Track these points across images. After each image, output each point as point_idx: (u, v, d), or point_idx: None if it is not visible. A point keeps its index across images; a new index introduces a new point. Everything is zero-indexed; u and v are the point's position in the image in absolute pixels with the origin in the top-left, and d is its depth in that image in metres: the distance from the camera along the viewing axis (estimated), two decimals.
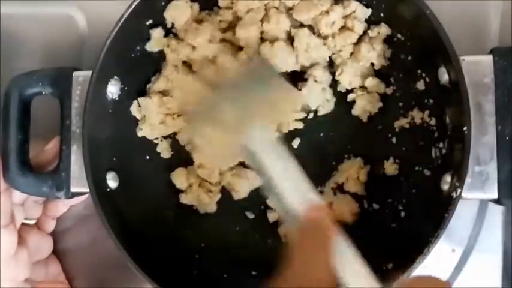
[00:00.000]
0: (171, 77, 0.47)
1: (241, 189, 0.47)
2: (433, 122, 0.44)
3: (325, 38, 0.46)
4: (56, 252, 0.50)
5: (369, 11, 0.45)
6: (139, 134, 0.47)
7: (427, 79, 0.44)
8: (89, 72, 0.44)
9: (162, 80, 0.47)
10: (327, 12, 0.45)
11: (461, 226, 0.47)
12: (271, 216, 0.48)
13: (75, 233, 0.51)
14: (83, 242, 0.51)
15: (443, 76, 0.41)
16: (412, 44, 0.44)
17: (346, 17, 0.45)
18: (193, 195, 0.48)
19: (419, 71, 0.44)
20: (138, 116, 0.47)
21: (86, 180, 0.43)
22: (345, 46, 0.45)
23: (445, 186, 0.40)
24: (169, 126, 0.47)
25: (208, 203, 0.48)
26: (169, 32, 0.48)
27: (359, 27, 0.45)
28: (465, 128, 0.38)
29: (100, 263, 0.50)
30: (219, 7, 0.47)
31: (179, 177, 0.48)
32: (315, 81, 0.46)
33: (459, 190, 0.38)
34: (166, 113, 0.47)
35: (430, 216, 0.40)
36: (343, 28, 0.46)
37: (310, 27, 0.46)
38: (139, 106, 0.47)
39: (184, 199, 0.48)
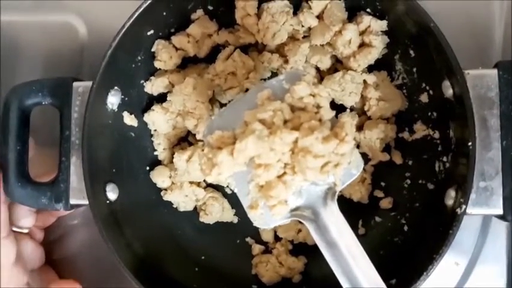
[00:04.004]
0: (169, 78, 0.46)
1: (213, 215, 0.47)
2: (436, 135, 0.43)
3: (347, 58, 0.45)
4: (52, 262, 0.50)
5: (384, 23, 0.44)
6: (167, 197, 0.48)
7: (431, 92, 0.44)
8: (89, 83, 0.43)
9: (160, 81, 0.47)
10: (340, 32, 0.44)
11: (465, 238, 0.47)
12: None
13: (67, 242, 0.51)
14: (74, 250, 0.51)
15: (448, 90, 0.41)
16: (416, 56, 0.44)
17: (362, 33, 0.45)
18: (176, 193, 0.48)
19: (423, 84, 0.44)
20: (161, 156, 0.48)
21: (85, 191, 0.42)
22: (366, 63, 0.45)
23: (449, 202, 0.40)
24: (183, 128, 0.47)
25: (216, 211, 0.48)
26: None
27: (377, 41, 0.44)
28: (470, 143, 0.37)
29: (95, 270, 0.50)
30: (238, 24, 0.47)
31: (160, 176, 0.47)
32: None
33: (464, 206, 0.37)
34: (173, 117, 0.46)
35: (434, 231, 0.40)
36: (363, 46, 0.45)
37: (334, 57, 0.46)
38: (153, 136, 0.48)
39: (168, 196, 0.48)
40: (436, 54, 0.40)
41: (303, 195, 0.36)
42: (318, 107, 0.35)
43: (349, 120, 0.35)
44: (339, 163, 0.34)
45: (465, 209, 0.37)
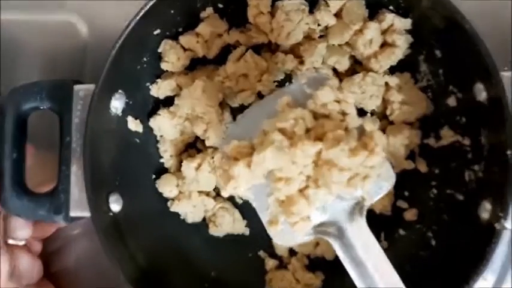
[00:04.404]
0: (177, 80, 0.45)
1: (223, 227, 0.46)
2: (466, 141, 0.41)
3: (368, 59, 0.43)
4: (50, 275, 0.48)
5: (408, 21, 0.42)
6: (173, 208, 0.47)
7: (460, 95, 0.42)
8: (91, 86, 0.41)
9: (168, 83, 0.45)
10: (361, 31, 0.42)
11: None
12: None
13: (67, 254, 0.50)
14: (74, 262, 0.50)
15: (480, 93, 0.38)
16: (443, 57, 0.42)
17: (384, 32, 0.43)
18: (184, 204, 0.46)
19: (450, 87, 0.42)
20: (167, 164, 0.47)
21: (87, 203, 0.40)
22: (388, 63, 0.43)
23: (485, 215, 0.37)
24: (191, 134, 0.46)
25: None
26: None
27: (401, 40, 0.42)
28: (509, 152, 0.35)
29: (97, 283, 0.49)
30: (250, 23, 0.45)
31: (167, 185, 0.46)
32: None
33: (503, 221, 0.35)
34: (181, 122, 0.45)
35: (467, 247, 0.38)
36: (385, 46, 0.43)
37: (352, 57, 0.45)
38: (159, 143, 0.47)
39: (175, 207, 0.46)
40: (467, 53, 0.38)
41: (328, 210, 0.34)
42: (344, 114, 0.33)
43: (378, 130, 0.32)
44: (367, 176, 0.32)
45: (504, 223, 0.34)
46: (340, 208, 0.34)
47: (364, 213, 0.34)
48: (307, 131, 0.33)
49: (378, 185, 0.34)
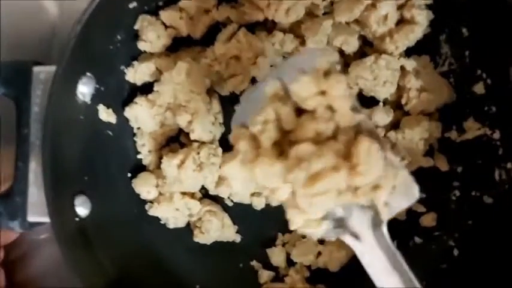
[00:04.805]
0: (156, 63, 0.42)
1: (210, 233, 0.43)
2: (496, 135, 0.39)
3: (381, 39, 0.40)
4: (13, 285, 0.46)
5: None
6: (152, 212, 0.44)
7: (489, 81, 0.39)
8: (54, 67, 0.38)
9: (145, 67, 0.42)
10: (374, 5, 0.39)
11: None
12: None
13: (32, 261, 0.47)
14: (41, 270, 0.47)
15: None
16: (470, 36, 0.39)
17: (401, 7, 0.40)
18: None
19: (478, 71, 0.39)
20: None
21: (46, 206, 0.37)
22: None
23: None
24: (173, 126, 0.43)
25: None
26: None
27: (421, 16, 0.39)
28: None
29: None
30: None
31: (144, 185, 0.43)
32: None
33: None
34: (161, 112, 0.42)
35: (500, 259, 0.35)
36: (402, 23, 0.40)
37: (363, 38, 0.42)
38: (135, 136, 0.44)
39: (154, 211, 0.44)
40: (504, 30, 0.35)
41: (350, 211, 0.30)
42: (333, 110, 0.28)
43: (370, 144, 0.27)
44: (378, 186, 0.28)
45: None
46: (362, 214, 0.30)
47: (383, 226, 0.30)
48: (287, 133, 0.28)
49: (396, 199, 0.30)
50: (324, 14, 0.42)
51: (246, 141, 0.29)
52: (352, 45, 0.41)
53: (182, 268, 0.43)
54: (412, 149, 0.40)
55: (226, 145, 0.42)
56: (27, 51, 0.47)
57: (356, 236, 0.30)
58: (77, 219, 0.39)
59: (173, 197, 0.43)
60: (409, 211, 0.42)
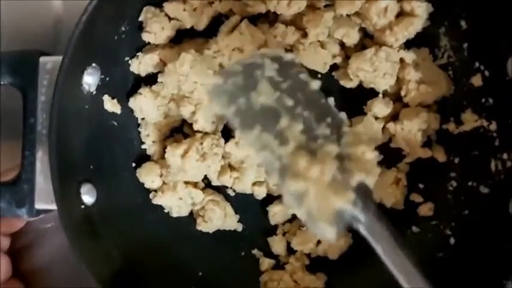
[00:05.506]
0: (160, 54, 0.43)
1: (213, 222, 0.44)
2: (493, 126, 0.39)
3: (381, 31, 0.40)
4: (20, 274, 0.46)
5: None
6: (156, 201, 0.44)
7: (487, 73, 0.39)
8: (60, 58, 0.38)
9: (150, 58, 0.42)
10: None
11: None
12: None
13: (39, 250, 0.48)
14: (48, 259, 0.47)
15: None
16: (469, 28, 0.39)
17: (401, 0, 0.40)
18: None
19: (476, 63, 0.39)
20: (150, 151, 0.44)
21: (53, 194, 0.37)
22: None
23: None
24: (176, 116, 0.43)
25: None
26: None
27: (421, 8, 0.39)
28: None
29: (71, 282, 0.46)
30: None
31: (148, 174, 0.43)
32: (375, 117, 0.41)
33: None
34: (165, 103, 0.43)
35: (495, 247, 0.35)
36: (402, 15, 0.40)
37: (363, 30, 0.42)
38: (139, 126, 0.44)
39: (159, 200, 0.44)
40: (503, 22, 0.35)
41: None
42: None
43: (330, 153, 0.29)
44: None
45: None
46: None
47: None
48: None
49: None
50: (326, 6, 0.42)
51: None
52: (353, 37, 0.41)
53: (185, 256, 0.44)
54: (410, 140, 0.40)
55: (228, 136, 0.43)
56: (32, 42, 0.47)
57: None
58: (82, 206, 0.39)
59: (177, 186, 0.43)
60: (407, 201, 0.42)
